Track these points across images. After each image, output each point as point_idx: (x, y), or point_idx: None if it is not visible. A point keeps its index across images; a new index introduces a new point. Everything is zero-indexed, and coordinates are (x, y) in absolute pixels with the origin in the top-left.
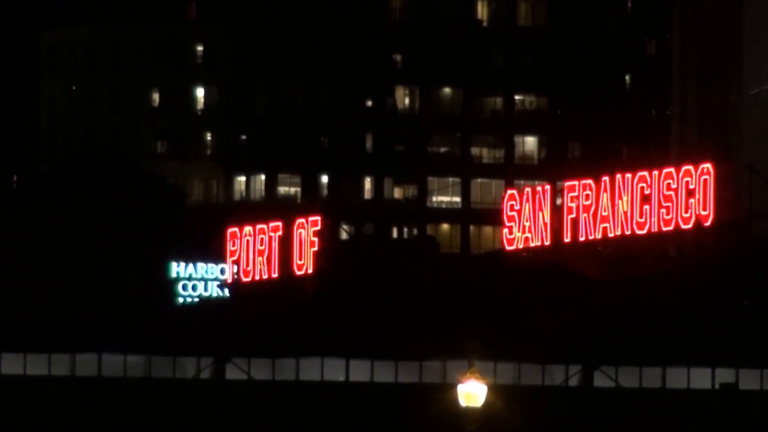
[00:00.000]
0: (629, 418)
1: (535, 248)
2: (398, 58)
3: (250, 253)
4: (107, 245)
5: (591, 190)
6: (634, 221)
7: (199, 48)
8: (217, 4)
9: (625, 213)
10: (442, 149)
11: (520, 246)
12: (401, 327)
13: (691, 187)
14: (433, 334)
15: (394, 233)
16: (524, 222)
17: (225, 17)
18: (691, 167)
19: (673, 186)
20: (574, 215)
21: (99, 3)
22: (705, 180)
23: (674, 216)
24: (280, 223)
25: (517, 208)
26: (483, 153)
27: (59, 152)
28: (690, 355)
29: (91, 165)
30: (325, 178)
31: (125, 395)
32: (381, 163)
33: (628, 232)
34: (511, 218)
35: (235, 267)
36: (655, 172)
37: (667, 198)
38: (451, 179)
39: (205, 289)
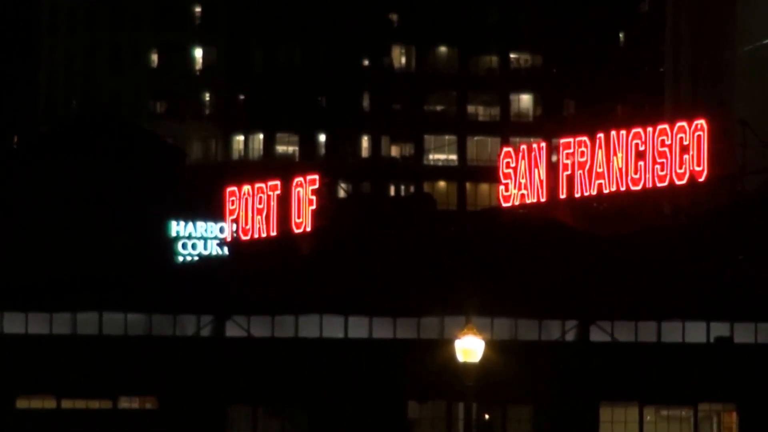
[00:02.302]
0: (625, 372)
1: (531, 205)
2: (394, 17)
3: (249, 211)
4: (107, 204)
5: (586, 146)
6: (629, 177)
7: (197, 9)
8: None
9: (620, 169)
10: (439, 107)
11: (516, 203)
12: (399, 284)
13: (685, 143)
14: (430, 290)
15: (392, 191)
16: (520, 179)
17: None
18: (684, 123)
19: (667, 142)
20: (569, 172)
21: None
22: (699, 136)
23: (668, 172)
24: (278, 182)
25: (513, 165)
26: (479, 111)
27: (59, 112)
28: (685, 309)
29: (90, 125)
30: (322, 137)
31: (126, 354)
32: (378, 122)
33: (623, 188)
34: (507, 175)
35: (234, 225)
36: (650, 129)
37: (662, 154)
38: (447, 137)
39: (205, 248)
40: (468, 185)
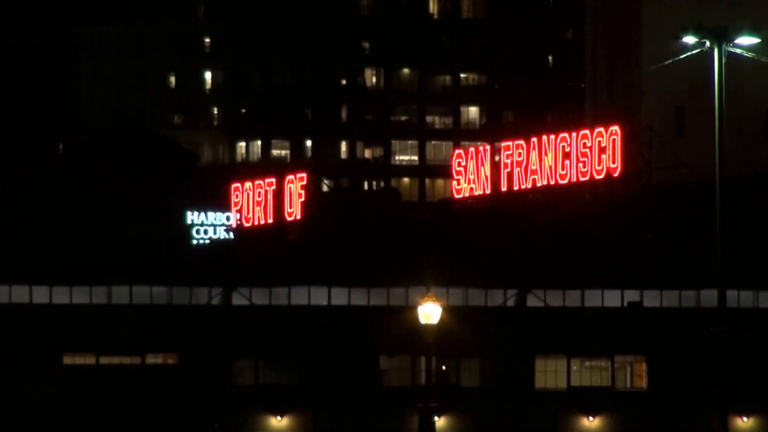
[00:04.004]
0: (555, 331)
1: (478, 196)
2: (366, 45)
3: (250, 203)
4: (135, 198)
5: (522, 148)
6: (558, 173)
7: (207, 39)
8: (221, 5)
9: (550, 167)
10: (403, 118)
11: (466, 195)
12: (372, 261)
13: (603, 145)
14: (397, 266)
15: (365, 186)
16: (469, 175)
17: (227, 15)
18: (602, 129)
19: (588, 144)
20: (509, 169)
21: (126, 4)
22: (613, 139)
23: (589, 168)
24: (273, 179)
25: (464, 164)
26: (435, 120)
27: (96, 124)
28: (603, 279)
29: (121, 134)
30: (309, 142)
31: (151, 319)
32: (354, 130)
33: (552, 182)
34: (458, 172)
35: (238, 215)
36: (574, 134)
37: (584, 154)
38: (410, 142)
39: (215, 233)
40: (427, 181)
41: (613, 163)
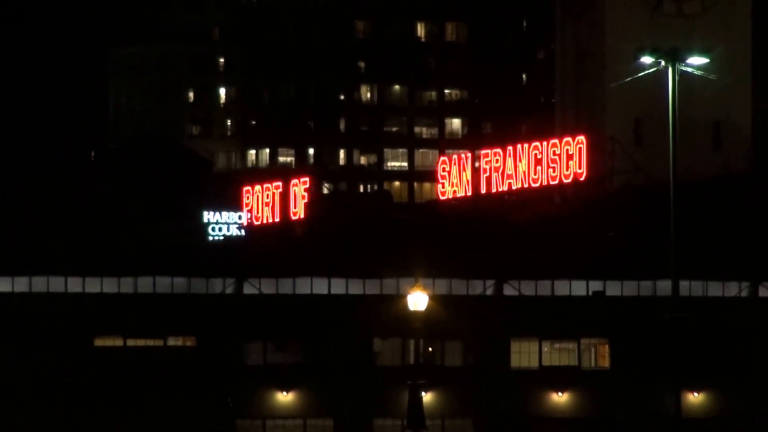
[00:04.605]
0: (528, 317)
1: (461, 198)
2: (362, 65)
3: (259, 204)
4: (157, 199)
5: (500, 156)
6: (530, 177)
7: (221, 59)
8: (234, 29)
9: (524, 172)
10: (394, 129)
11: (450, 197)
12: (367, 255)
13: (570, 152)
14: (389, 259)
15: (361, 189)
16: (453, 179)
17: (239, 38)
18: (570, 139)
19: (557, 152)
20: (487, 174)
21: (151, 27)
22: (580, 148)
23: (558, 173)
24: (280, 183)
25: (448, 169)
26: (423, 131)
27: (123, 134)
28: (571, 270)
29: (145, 143)
30: (311, 150)
31: (172, 306)
32: (351, 139)
33: (526, 186)
34: (443, 177)
35: (249, 214)
36: (545, 143)
37: (553, 161)
38: (400, 150)
39: (228, 230)
40: (416, 184)
41: (580, 168)
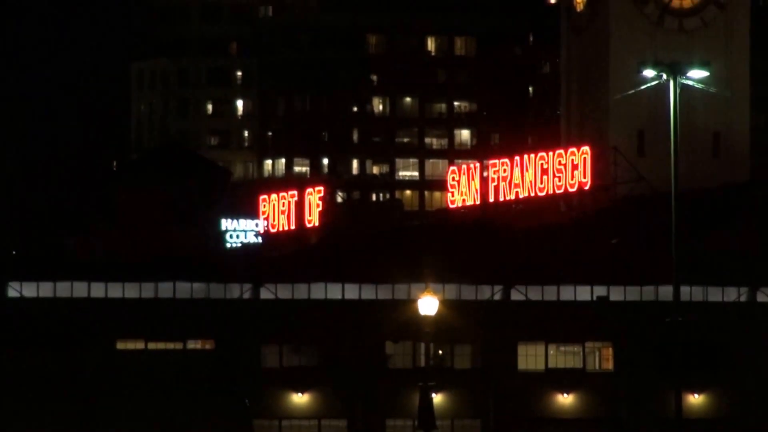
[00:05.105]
0: (535, 321)
1: (470, 206)
2: (374, 78)
3: (276, 212)
4: (177, 207)
5: (507, 165)
6: (537, 187)
7: (239, 73)
8: (251, 43)
9: (531, 181)
10: (406, 140)
11: (459, 205)
12: (379, 261)
13: (575, 163)
14: (401, 265)
15: (373, 198)
16: (462, 188)
17: (257, 52)
18: (575, 149)
19: (563, 162)
20: (495, 183)
21: (171, 42)
22: (585, 158)
23: (564, 183)
24: (295, 192)
25: (457, 179)
26: (433, 142)
27: (145, 145)
28: (576, 276)
29: (166, 153)
30: (326, 161)
31: (192, 310)
32: (364, 150)
33: (533, 194)
34: (453, 186)
35: (265, 222)
36: (551, 153)
37: (559, 170)
38: (411, 160)
39: (245, 237)
40: (426, 193)
41: (584, 178)
